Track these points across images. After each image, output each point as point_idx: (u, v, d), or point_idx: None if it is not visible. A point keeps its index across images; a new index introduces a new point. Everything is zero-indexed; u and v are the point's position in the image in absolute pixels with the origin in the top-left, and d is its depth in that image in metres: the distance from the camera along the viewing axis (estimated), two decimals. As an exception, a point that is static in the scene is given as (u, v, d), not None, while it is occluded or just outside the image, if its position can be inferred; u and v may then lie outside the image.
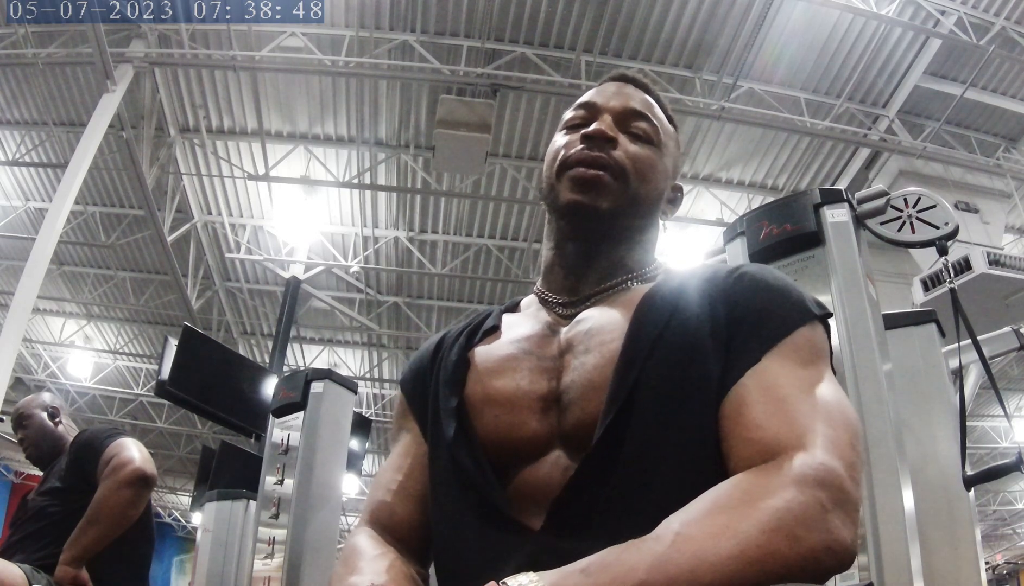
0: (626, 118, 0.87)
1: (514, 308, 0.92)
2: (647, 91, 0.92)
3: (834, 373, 0.75)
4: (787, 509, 0.56)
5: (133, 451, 2.10)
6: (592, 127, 0.85)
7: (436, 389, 0.85)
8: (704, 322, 0.74)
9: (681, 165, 0.94)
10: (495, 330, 0.87)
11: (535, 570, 0.58)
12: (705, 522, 0.56)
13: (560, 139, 0.89)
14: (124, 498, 2.04)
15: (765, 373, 0.70)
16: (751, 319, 0.74)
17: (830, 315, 0.78)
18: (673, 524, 0.57)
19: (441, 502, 0.80)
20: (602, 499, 0.69)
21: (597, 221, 0.83)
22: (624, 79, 0.93)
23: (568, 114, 0.91)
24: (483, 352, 0.84)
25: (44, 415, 2.39)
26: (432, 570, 0.82)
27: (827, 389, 0.70)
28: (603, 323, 0.79)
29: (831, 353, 0.76)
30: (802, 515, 0.56)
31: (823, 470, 0.60)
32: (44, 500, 2.19)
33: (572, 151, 0.84)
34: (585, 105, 0.89)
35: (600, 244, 0.85)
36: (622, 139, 0.85)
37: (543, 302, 0.88)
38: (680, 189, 0.94)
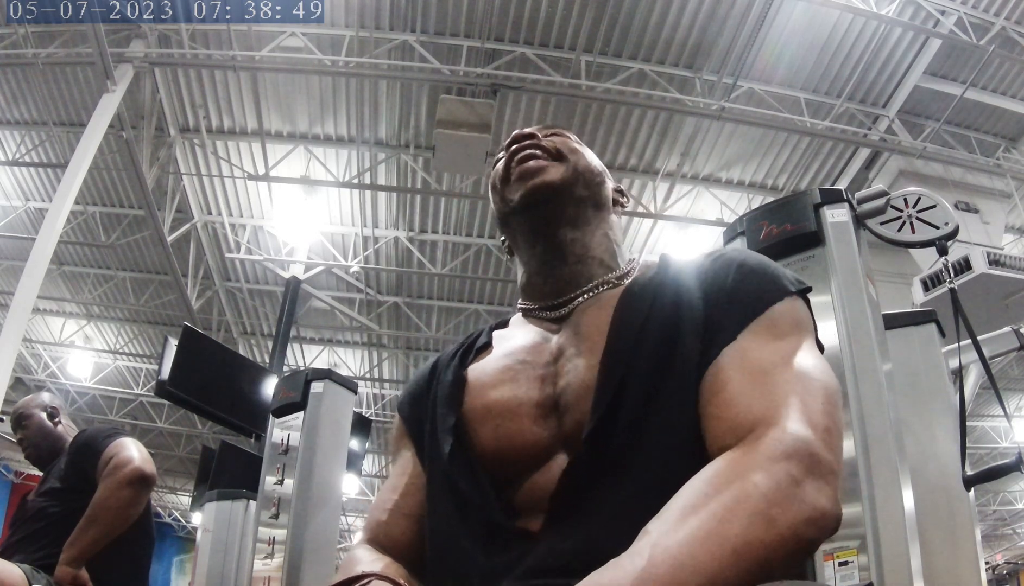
0: (540, 130, 0.95)
1: (504, 325, 0.94)
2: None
3: (820, 348, 0.74)
4: (757, 493, 0.55)
5: (132, 451, 2.10)
6: (511, 137, 0.93)
7: (434, 410, 0.85)
8: (683, 308, 0.75)
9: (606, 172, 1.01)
10: (487, 347, 0.89)
11: (535, 578, 0.57)
12: (680, 527, 0.55)
13: (494, 169, 0.97)
14: (124, 498, 2.04)
15: (739, 350, 0.70)
16: (726, 298, 0.74)
17: (808, 289, 0.78)
18: (650, 535, 0.56)
19: (438, 521, 0.80)
20: (597, 495, 0.70)
21: (552, 198, 0.87)
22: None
23: (498, 154, 0.98)
24: (478, 368, 0.85)
25: (43, 415, 2.39)
26: None
27: (803, 358, 0.69)
28: (591, 324, 0.80)
29: (815, 327, 0.76)
30: (772, 494, 0.55)
31: (792, 441, 0.59)
32: (44, 500, 2.19)
33: (504, 161, 0.92)
34: (504, 146, 0.96)
35: (563, 231, 0.88)
36: (544, 137, 0.93)
37: (528, 314, 0.90)
38: (621, 189, 1.00)
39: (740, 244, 1.93)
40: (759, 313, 0.72)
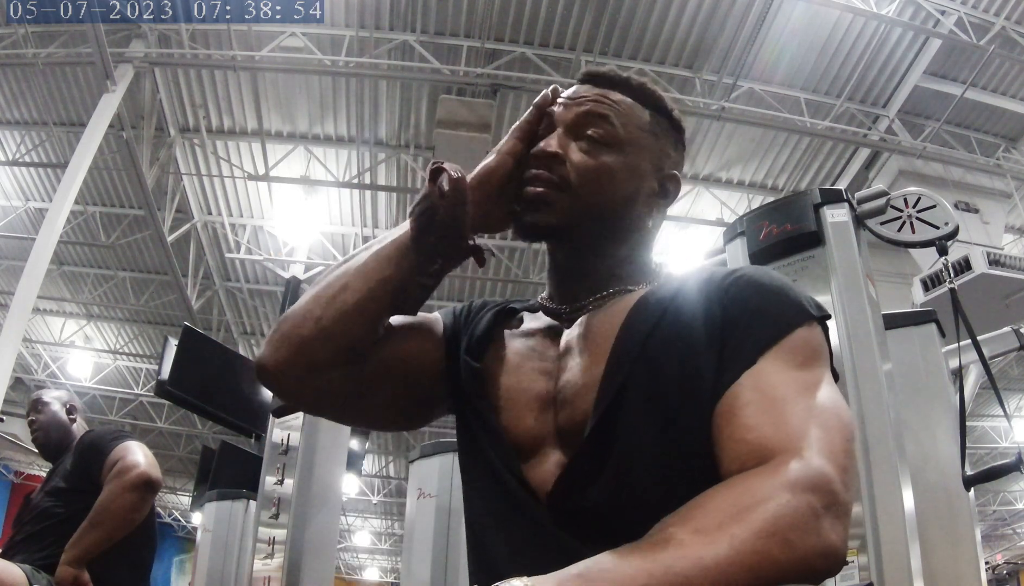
0: (579, 125, 0.84)
1: (533, 309, 0.93)
2: (614, 85, 0.87)
3: (835, 375, 0.75)
4: (781, 514, 0.56)
5: (139, 455, 2.10)
6: (537, 147, 0.84)
7: (461, 351, 0.88)
8: (698, 322, 0.75)
9: (673, 152, 0.90)
10: (515, 317, 0.90)
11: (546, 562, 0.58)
12: (701, 527, 0.56)
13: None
14: (128, 502, 2.04)
15: (760, 374, 0.69)
16: (747, 319, 0.73)
17: (828, 317, 0.78)
18: (670, 528, 0.57)
19: (474, 470, 0.83)
20: (594, 495, 0.71)
21: (552, 237, 0.84)
22: (588, 79, 0.89)
23: (542, 126, 0.88)
24: (497, 342, 0.87)
25: (61, 406, 2.41)
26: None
27: (822, 392, 0.69)
28: (599, 326, 0.81)
29: (831, 355, 0.76)
30: (795, 520, 0.56)
31: (816, 474, 0.60)
32: (48, 500, 2.20)
33: (526, 173, 0.85)
34: (548, 115, 0.87)
35: (577, 256, 0.85)
36: (572, 149, 0.83)
37: (545, 309, 0.90)
38: (672, 178, 0.89)
39: (740, 244, 1.93)
40: (780, 337, 0.72)
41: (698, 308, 0.76)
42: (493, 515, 0.77)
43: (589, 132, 0.84)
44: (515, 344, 0.85)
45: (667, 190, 0.89)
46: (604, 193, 0.83)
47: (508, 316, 0.90)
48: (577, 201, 0.82)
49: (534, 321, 0.88)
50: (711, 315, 0.75)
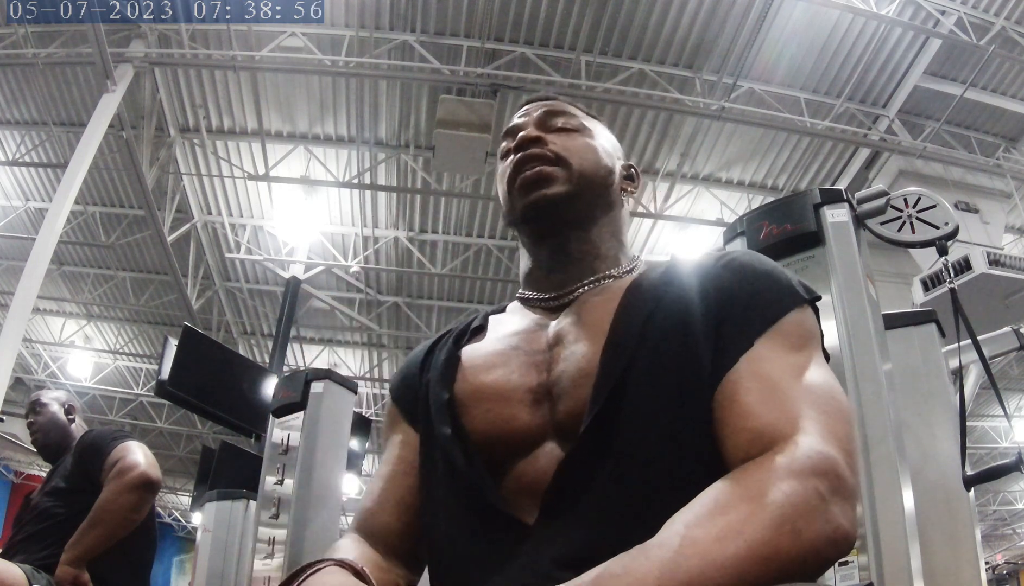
0: (546, 119, 0.92)
1: (501, 310, 0.93)
2: (557, 99, 0.97)
3: (826, 357, 0.75)
4: (787, 503, 0.56)
5: (138, 455, 2.10)
6: (517, 138, 0.90)
7: (427, 390, 0.85)
8: (693, 307, 0.75)
9: (620, 146, 0.99)
10: (482, 330, 0.88)
11: (532, 570, 0.57)
12: (709, 523, 0.56)
13: (501, 167, 0.94)
14: (128, 502, 2.05)
15: (757, 359, 0.69)
16: (741, 304, 0.74)
17: (818, 297, 0.78)
18: (677, 527, 0.56)
19: (436, 502, 0.80)
20: (594, 487, 0.69)
21: (557, 208, 0.86)
22: (534, 99, 0.98)
23: (501, 146, 0.95)
24: (472, 350, 0.85)
25: (59, 407, 2.42)
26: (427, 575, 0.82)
27: (819, 375, 0.70)
28: (592, 313, 0.80)
29: (822, 336, 0.77)
30: (802, 507, 0.56)
31: (820, 458, 0.60)
32: (48, 500, 2.20)
33: (511, 167, 0.90)
34: (509, 130, 0.94)
35: (569, 233, 0.87)
36: (549, 137, 0.90)
37: (526, 302, 0.89)
38: (632, 167, 0.98)
39: (740, 244, 1.93)
40: (774, 321, 0.72)
41: (693, 292, 0.76)
42: (465, 540, 0.74)
43: (558, 123, 0.91)
44: (491, 348, 0.83)
45: (632, 175, 0.97)
46: (591, 163, 0.89)
47: (473, 334, 0.88)
48: (571, 171, 0.87)
49: (510, 321, 0.87)
50: (706, 299, 0.75)
